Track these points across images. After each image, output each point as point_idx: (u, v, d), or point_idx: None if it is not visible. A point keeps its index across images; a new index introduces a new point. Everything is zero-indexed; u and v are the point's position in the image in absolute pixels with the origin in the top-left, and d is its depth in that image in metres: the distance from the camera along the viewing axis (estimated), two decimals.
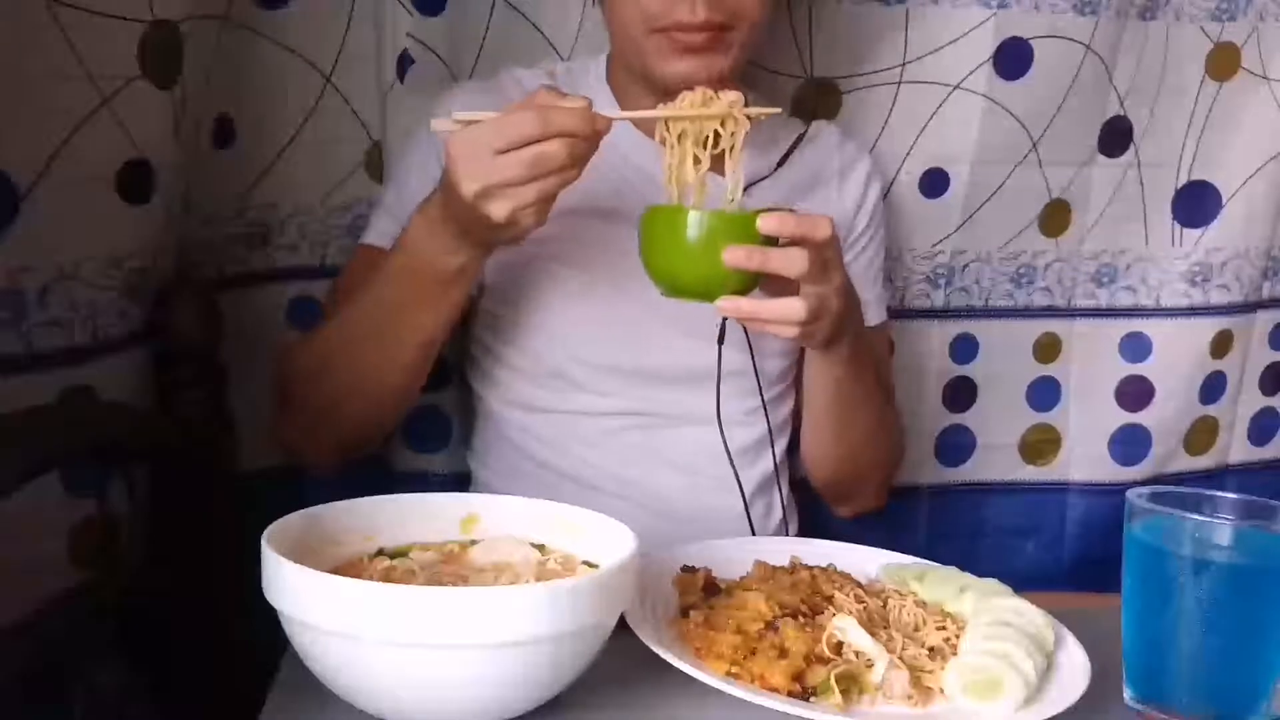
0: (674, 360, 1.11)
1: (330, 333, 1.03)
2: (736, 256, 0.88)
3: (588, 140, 0.85)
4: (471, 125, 0.84)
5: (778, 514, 1.18)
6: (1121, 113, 1.38)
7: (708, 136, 0.93)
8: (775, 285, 0.92)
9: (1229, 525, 0.79)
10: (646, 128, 1.10)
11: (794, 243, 0.90)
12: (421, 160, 1.07)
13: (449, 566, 0.81)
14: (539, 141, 0.82)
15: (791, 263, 0.89)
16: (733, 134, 0.94)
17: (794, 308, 0.90)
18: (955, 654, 0.81)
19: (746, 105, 0.94)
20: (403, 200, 1.05)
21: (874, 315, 1.22)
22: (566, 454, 1.12)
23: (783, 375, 1.17)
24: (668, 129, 0.94)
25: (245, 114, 1.15)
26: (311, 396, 1.05)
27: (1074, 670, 0.81)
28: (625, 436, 1.12)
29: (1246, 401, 1.53)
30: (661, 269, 0.93)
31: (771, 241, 0.90)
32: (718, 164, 0.95)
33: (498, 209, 0.84)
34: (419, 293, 0.96)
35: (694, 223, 0.90)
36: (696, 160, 0.94)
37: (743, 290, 0.91)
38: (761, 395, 1.13)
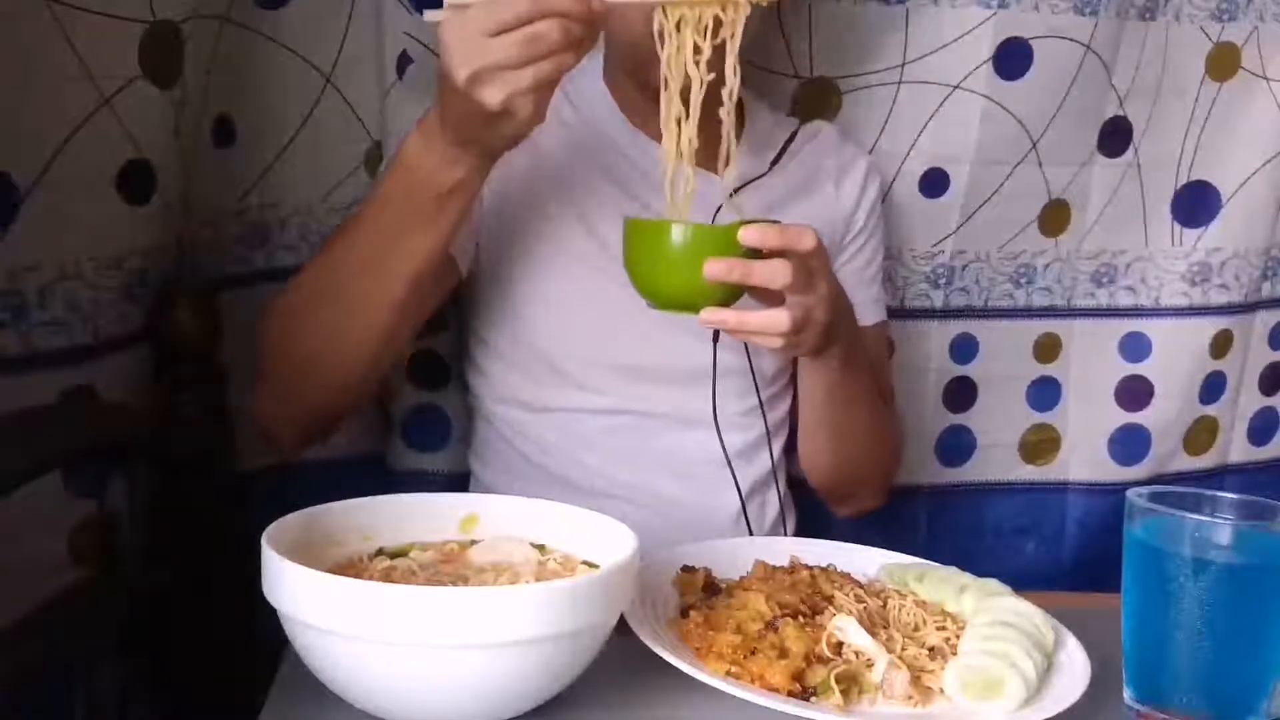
0: (668, 358, 1.11)
1: (315, 271, 0.99)
2: (717, 270, 0.87)
3: (583, 22, 0.81)
4: (463, 9, 0.81)
5: (774, 511, 1.18)
6: (1121, 113, 1.38)
7: (707, 25, 0.90)
8: (760, 296, 0.91)
9: (1229, 525, 0.79)
10: (638, 121, 1.10)
11: (778, 254, 0.89)
12: None
13: (449, 566, 0.81)
14: (533, 22, 0.79)
15: (774, 275, 0.88)
16: (733, 20, 0.90)
17: (778, 319, 0.89)
18: (955, 654, 0.81)
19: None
20: None
21: (872, 315, 1.22)
22: (564, 456, 1.12)
23: (779, 374, 1.17)
24: (666, 16, 0.89)
25: (245, 114, 1.15)
26: (291, 348, 0.99)
27: (1074, 670, 0.81)
28: (622, 438, 1.12)
29: (1246, 401, 1.53)
30: (645, 281, 0.92)
31: (755, 252, 0.88)
32: (706, 161, 0.93)
33: (491, 94, 0.80)
34: (415, 212, 0.91)
35: (675, 236, 0.89)
36: (697, 49, 0.89)
37: (727, 301, 0.90)
38: (758, 394, 1.13)
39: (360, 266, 0.94)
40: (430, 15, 0.84)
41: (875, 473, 1.23)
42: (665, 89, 0.90)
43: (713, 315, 0.89)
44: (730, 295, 0.90)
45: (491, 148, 0.88)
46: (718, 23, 0.89)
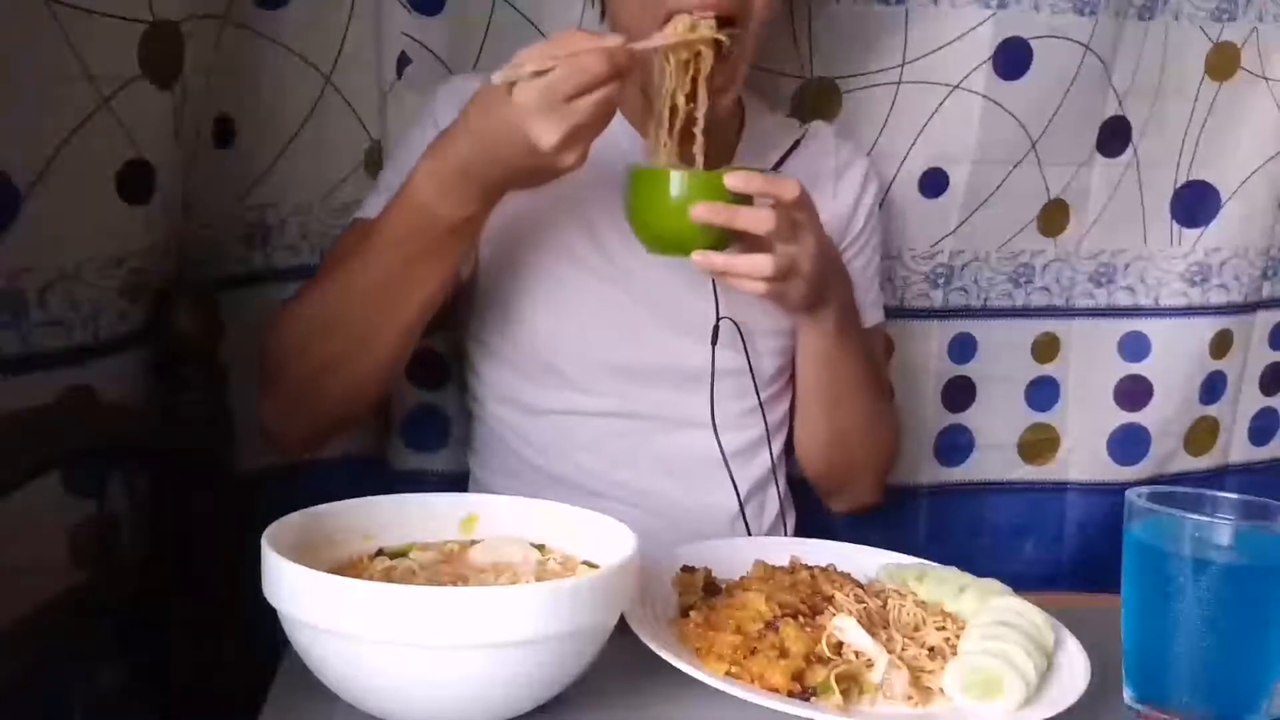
0: (667, 360, 1.11)
1: (326, 296, 1.01)
2: (703, 212, 0.92)
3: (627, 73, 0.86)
4: (535, 76, 0.84)
5: (773, 510, 1.18)
6: (1121, 113, 1.38)
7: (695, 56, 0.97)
8: (750, 245, 0.94)
9: (1229, 525, 0.79)
10: (643, 128, 1.10)
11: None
12: (422, 137, 1.07)
13: (449, 566, 0.81)
14: (604, 84, 0.84)
15: (758, 221, 0.92)
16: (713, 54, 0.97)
17: (761, 262, 0.93)
18: (955, 654, 0.81)
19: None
20: (403, 176, 1.05)
21: (870, 316, 1.22)
22: (562, 457, 1.12)
23: (778, 374, 1.17)
24: (668, 59, 0.97)
25: (245, 114, 1.14)
26: (300, 367, 1.02)
27: (1074, 670, 0.81)
28: (620, 440, 1.12)
29: (1246, 401, 1.53)
30: (641, 225, 0.98)
31: (747, 202, 0.93)
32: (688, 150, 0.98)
33: (572, 156, 0.86)
34: (424, 247, 0.95)
35: (668, 181, 0.94)
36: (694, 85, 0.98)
37: (718, 247, 0.94)
38: (758, 395, 1.13)
39: (371, 295, 0.98)
40: (498, 77, 0.85)
41: (870, 463, 1.22)
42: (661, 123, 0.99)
43: (702, 258, 0.94)
44: (720, 243, 0.95)
45: (514, 189, 0.93)
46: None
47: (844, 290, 1.08)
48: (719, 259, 0.94)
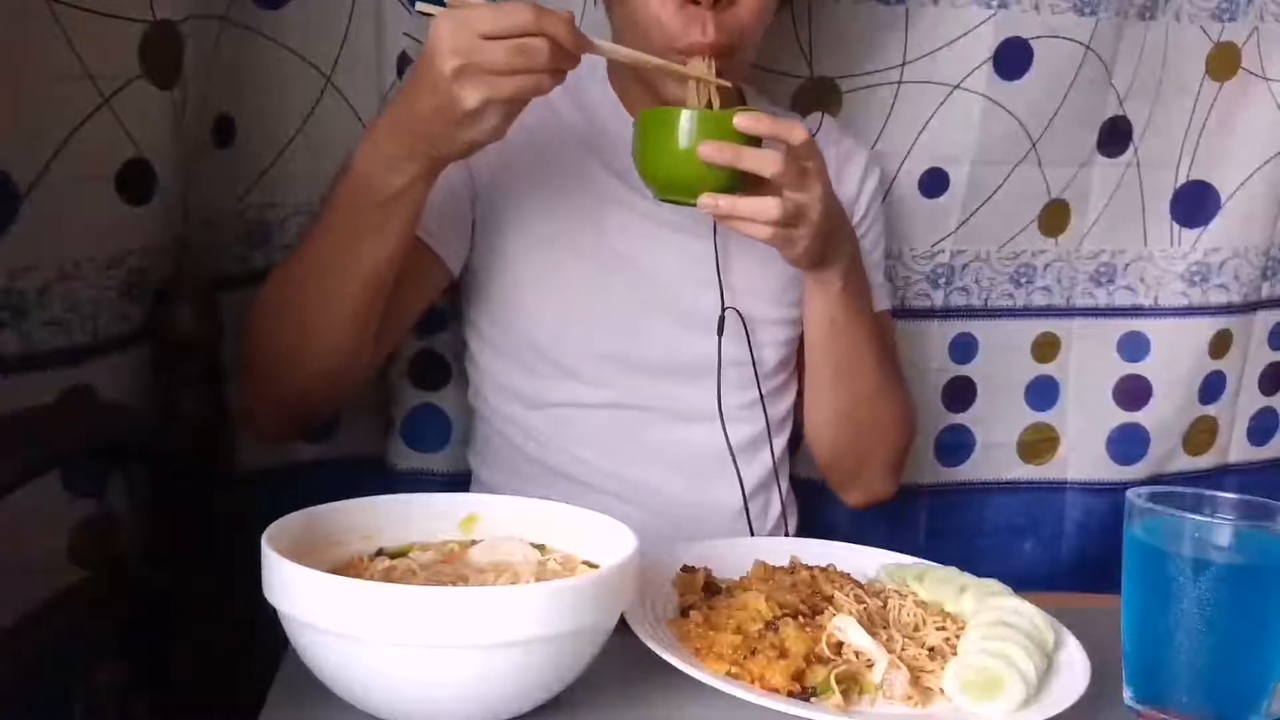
0: (669, 350, 1.11)
1: (285, 272, 1.01)
2: (709, 151, 0.91)
3: (567, 54, 0.85)
4: (462, 7, 0.84)
5: (776, 510, 1.18)
6: (1121, 113, 1.38)
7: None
8: (758, 191, 0.93)
9: (1229, 525, 0.79)
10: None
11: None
12: None
13: (449, 566, 0.81)
14: (528, 36, 0.83)
15: (764, 162, 0.91)
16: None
17: (768, 205, 0.92)
18: (955, 654, 0.81)
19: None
20: None
21: (878, 301, 1.21)
22: (563, 452, 1.12)
23: (780, 367, 1.17)
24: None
25: (245, 114, 1.14)
26: (268, 342, 1.01)
27: (1074, 670, 0.81)
28: (621, 432, 1.12)
29: (1246, 401, 1.53)
30: (648, 169, 0.97)
31: (754, 145, 0.93)
32: None
33: (470, 94, 0.83)
34: (360, 220, 0.93)
35: (676, 121, 0.93)
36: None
37: (724, 191, 0.94)
38: (759, 388, 1.13)
39: (318, 270, 0.97)
40: (423, 6, 0.86)
41: (881, 445, 1.21)
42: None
43: (708, 199, 0.93)
44: (727, 187, 0.94)
45: (438, 156, 0.90)
46: None
47: (851, 249, 1.06)
48: (724, 201, 0.93)
